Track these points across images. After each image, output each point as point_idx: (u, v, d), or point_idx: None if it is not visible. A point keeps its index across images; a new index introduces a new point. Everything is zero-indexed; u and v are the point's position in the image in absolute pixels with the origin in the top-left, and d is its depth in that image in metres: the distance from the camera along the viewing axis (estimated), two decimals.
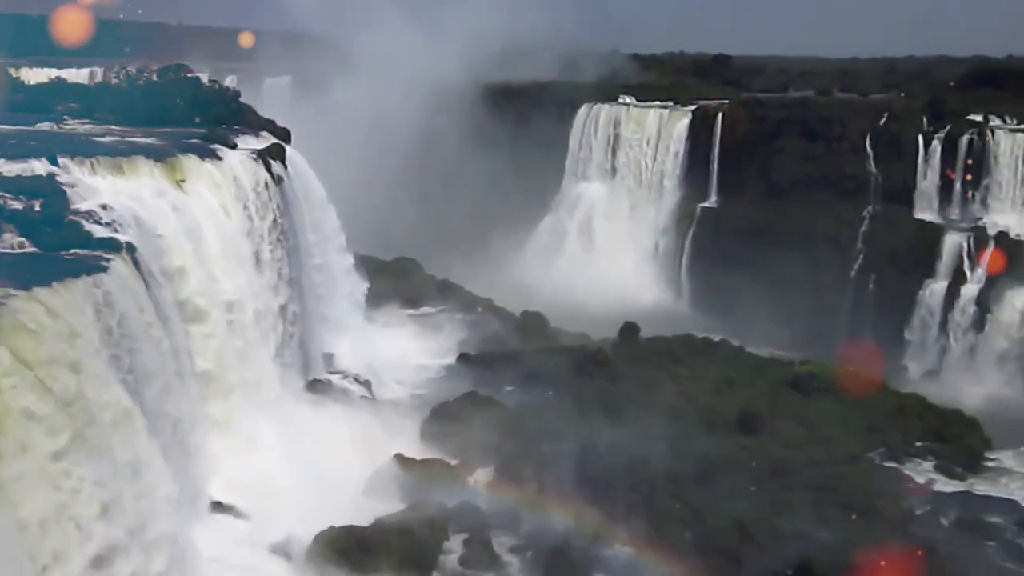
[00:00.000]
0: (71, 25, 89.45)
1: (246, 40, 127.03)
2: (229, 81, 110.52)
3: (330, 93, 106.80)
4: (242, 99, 71.93)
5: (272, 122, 71.36)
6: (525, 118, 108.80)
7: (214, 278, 51.73)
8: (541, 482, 55.82)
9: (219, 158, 57.00)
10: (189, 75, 71.25)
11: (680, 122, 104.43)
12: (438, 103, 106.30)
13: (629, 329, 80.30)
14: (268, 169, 60.87)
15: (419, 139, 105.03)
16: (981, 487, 62.92)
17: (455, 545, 51.69)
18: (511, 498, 54.87)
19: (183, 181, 52.05)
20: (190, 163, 53.81)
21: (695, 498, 56.64)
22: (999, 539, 55.96)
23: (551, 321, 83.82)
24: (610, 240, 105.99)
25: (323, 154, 76.17)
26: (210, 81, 76.81)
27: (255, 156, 60.95)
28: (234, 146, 60.59)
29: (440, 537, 51.12)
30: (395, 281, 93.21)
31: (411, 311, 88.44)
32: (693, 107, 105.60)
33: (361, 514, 50.88)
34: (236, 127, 66.03)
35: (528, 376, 71.49)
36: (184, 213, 50.17)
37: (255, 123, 69.21)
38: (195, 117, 65.23)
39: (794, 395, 71.23)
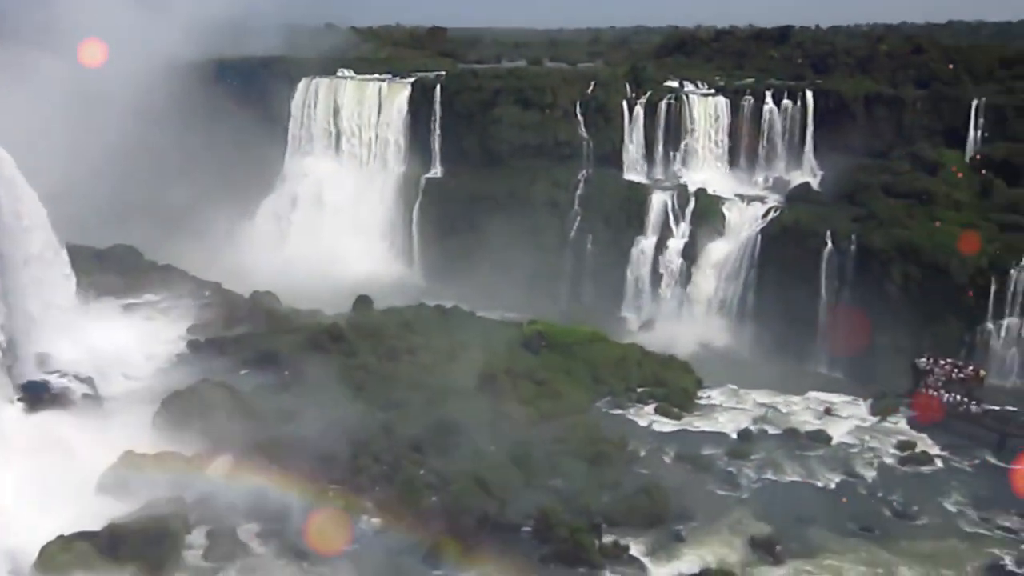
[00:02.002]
0: None
1: None
2: None
3: (33, 74, 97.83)
4: None
5: None
6: (246, 95, 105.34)
7: None
8: (283, 464, 55.33)
9: None
10: None
11: (400, 94, 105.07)
12: (156, 81, 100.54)
13: (362, 302, 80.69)
14: None
15: (135, 119, 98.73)
16: (696, 424, 69.03)
17: (198, 539, 50.47)
18: (254, 484, 53.98)
19: None
20: None
21: (438, 462, 58.38)
22: (713, 469, 62.04)
23: (283, 300, 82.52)
24: (338, 214, 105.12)
25: (28, 141, 69.94)
26: None
27: None
28: None
29: (180, 532, 49.65)
30: (114, 270, 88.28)
31: (133, 300, 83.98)
32: (412, 79, 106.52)
33: (93, 519, 48.54)
34: None
35: (262, 358, 70.30)
36: None
37: None
38: None
39: (525, 354, 74.64)
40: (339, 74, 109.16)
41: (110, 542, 46.93)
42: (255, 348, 71.60)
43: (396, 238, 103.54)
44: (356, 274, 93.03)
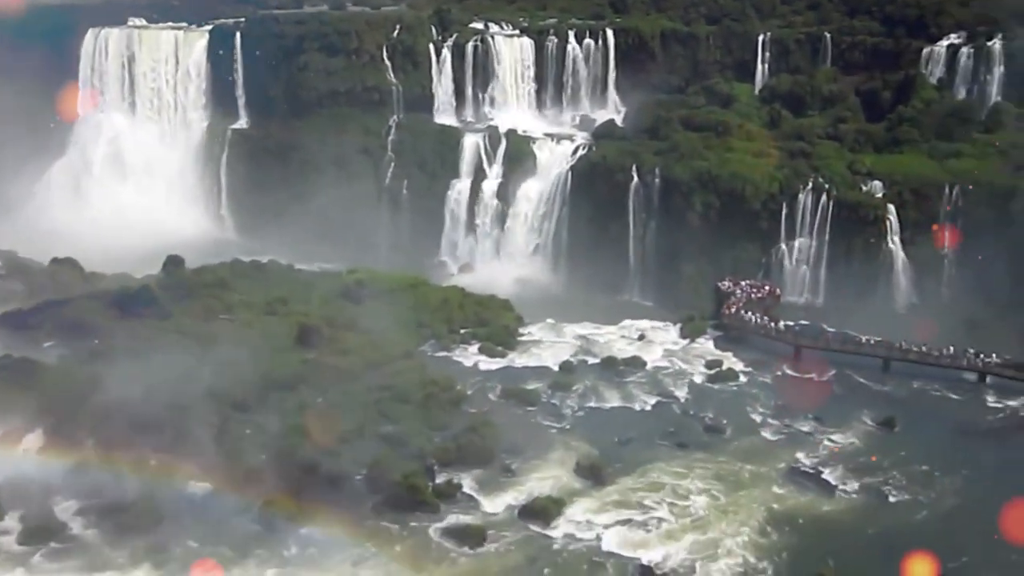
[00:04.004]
0: None
1: None
2: None
3: None
4: None
5: None
6: (28, 50, 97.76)
7: None
8: (99, 437, 53.40)
9: None
10: None
11: (197, 43, 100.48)
12: None
13: (173, 262, 77.79)
14: None
15: None
16: (519, 360, 71.03)
17: (11, 523, 48.30)
18: (68, 460, 51.97)
19: None
20: None
21: (266, 420, 57.77)
22: (539, 402, 64.28)
23: (86, 266, 78.61)
24: (140, 173, 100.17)
25: None
26: None
27: None
28: None
29: None
30: None
31: None
32: (209, 27, 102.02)
33: None
34: None
35: (68, 328, 66.85)
36: None
37: None
38: None
39: (347, 304, 74.41)
40: (130, 23, 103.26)
41: None
42: (59, 318, 68.05)
43: (204, 193, 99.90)
44: (164, 233, 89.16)
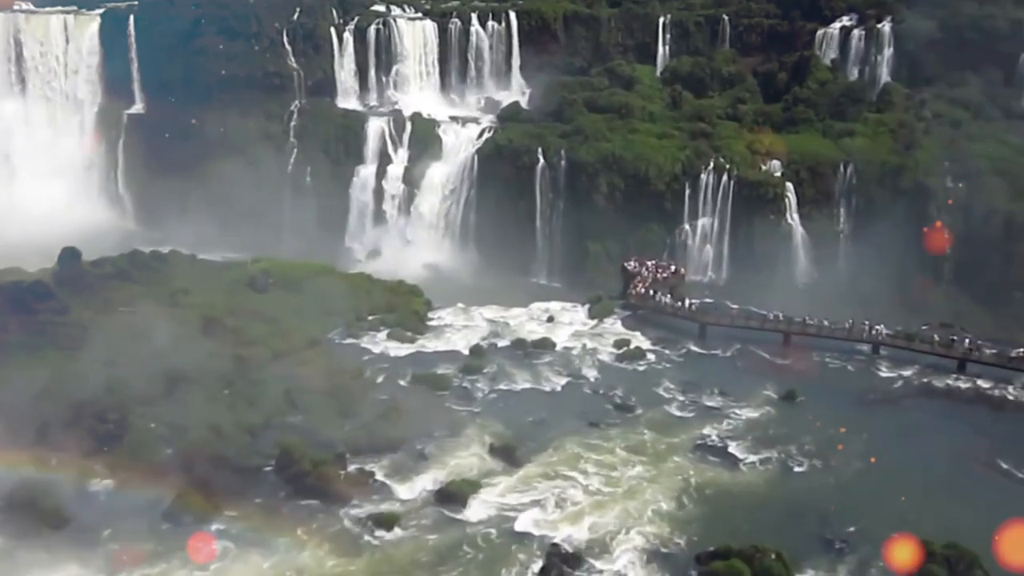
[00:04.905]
0: None
1: None
2: None
3: None
4: None
5: None
6: None
7: None
8: None
9: None
10: None
11: (89, 27, 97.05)
12: None
13: (69, 255, 75.13)
14: None
15: None
16: (429, 345, 70.86)
17: None
18: None
19: None
20: None
21: (169, 414, 56.46)
22: (449, 386, 64.19)
23: None
24: (31, 161, 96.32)
25: None
26: None
27: None
28: None
29: None
30: None
31: None
32: (101, 10, 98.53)
33: None
34: None
35: None
36: None
37: None
38: None
39: (251, 294, 73.17)
40: (16, 7, 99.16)
41: None
42: None
43: (101, 181, 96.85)
44: (59, 223, 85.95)
